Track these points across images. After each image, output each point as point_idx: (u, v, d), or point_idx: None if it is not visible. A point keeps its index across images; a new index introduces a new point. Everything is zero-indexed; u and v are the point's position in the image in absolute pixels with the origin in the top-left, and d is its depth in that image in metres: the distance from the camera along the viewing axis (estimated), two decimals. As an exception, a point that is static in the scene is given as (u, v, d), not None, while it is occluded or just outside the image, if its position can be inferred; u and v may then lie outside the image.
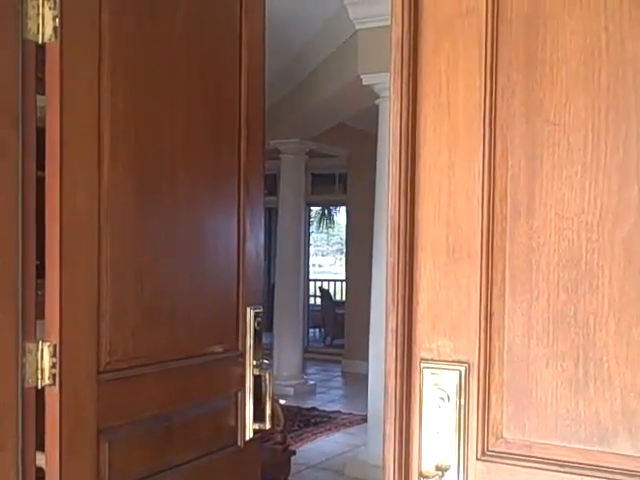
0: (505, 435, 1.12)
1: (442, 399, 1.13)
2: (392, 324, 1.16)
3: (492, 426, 1.12)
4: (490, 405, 1.12)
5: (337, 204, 15.20)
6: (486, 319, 1.12)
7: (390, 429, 1.15)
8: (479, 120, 1.11)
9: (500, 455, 1.12)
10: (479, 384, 1.13)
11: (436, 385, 1.14)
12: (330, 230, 18.27)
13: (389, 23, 1.21)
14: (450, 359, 1.14)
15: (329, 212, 16.77)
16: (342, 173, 11.18)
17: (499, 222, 1.12)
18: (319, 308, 12.65)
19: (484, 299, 1.12)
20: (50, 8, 1.82)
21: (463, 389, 1.12)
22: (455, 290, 1.14)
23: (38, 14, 1.82)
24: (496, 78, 1.11)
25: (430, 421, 1.13)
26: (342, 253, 16.60)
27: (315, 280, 13.92)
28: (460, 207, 1.13)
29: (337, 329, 11.21)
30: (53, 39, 1.84)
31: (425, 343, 1.15)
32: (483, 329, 1.12)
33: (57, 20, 1.83)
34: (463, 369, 1.13)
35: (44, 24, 1.83)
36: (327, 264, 20.55)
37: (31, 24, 1.82)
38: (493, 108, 1.11)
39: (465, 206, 1.13)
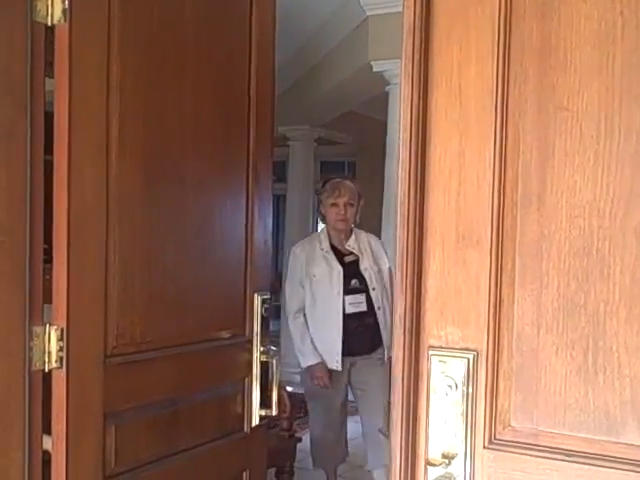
0: (512, 424, 1.11)
1: (450, 387, 1.12)
2: (400, 311, 1.16)
3: (500, 414, 1.12)
4: (498, 393, 1.12)
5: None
6: (495, 307, 1.11)
7: (397, 416, 1.15)
8: (491, 106, 1.10)
9: (507, 444, 1.12)
10: (487, 372, 1.12)
11: (444, 373, 1.13)
12: (338, 217, 18.25)
13: (400, 9, 1.20)
14: (458, 347, 1.13)
15: (337, 200, 16.75)
16: (351, 161, 11.15)
17: (509, 209, 1.11)
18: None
19: (493, 287, 1.11)
20: (59, -10, 1.81)
21: (471, 377, 1.12)
22: (464, 278, 1.13)
23: (47, -4, 1.80)
24: (509, 64, 1.10)
25: (437, 409, 1.13)
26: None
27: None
28: (470, 194, 1.12)
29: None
30: (62, 21, 1.83)
31: (433, 330, 1.15)
32: (492, 317, 1.11)
33: (66, 2, 1.81)
34: (471, 357, 1.12)
35: (53, 6, 1.81)
36: (335, 252, 20.50)
37: (40, 6, 1.81)
38: (505, 94, 1.10)
39: (475, 193, 1.12)
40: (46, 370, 1.85)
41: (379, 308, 3.89)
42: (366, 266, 3.91)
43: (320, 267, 3.90)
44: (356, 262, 3.94)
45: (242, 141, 2.40)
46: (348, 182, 4.05)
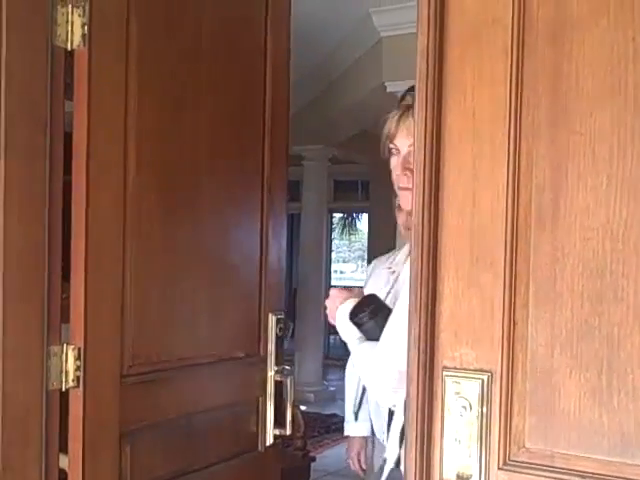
0: (527, 445, 1.12)
1: (464, 408, 1.13)
2: (414, 332, 1.16)
3: (514, 435, 1.12)
4: (512, 414, 1.12)
5: (359, 211, 15.19)
6: (509, 328, 1.12)
7: (412, 437, 1.15)
8: (504, 130, 1.11)
9: (522, 465, 1.12)
10: (501, 393, 1.12)
11: (458, 394, 1.13)
12: (352, 237, 18.27)
13: (413, 31, 1.22)
14: (472, 368, 1.14)
15: (351, 219, 16.77)
16: (365, 180, 11.17)
17: (523, 232, 1.12)
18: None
19: (507, 308, 1.12)
20: (79, 15, 1.85)
21: (485, 398, 1.12)
22: (478, 299, 1.14)
23: (67, 21, 1.84)
24: (522, 88, 1.11)
25: (452, 429, 1.13)
26: (363, 260, 16.60)
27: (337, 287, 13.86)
28: (484, 217, 1.13)
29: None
30: (81, 46, 1.86)
31: (448, 351, 1.15)
32: (506, 338, 1.12)
33: (86, 27, 1.85)
34: (485, 378, 1.12)
35: (73, 31, 1.85)
36: (349, 270, 20.54)
37: (60, 31, 1.85)
38: (518, 118, 1.11)
39: (489, 215, 1.13)
40: (63, 389, 1.87)
41: None
42: None
43: (381, 293, 2.70)
44: None
45: (257, 161, 2.43)
46: None
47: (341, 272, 19.62)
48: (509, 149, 1.11)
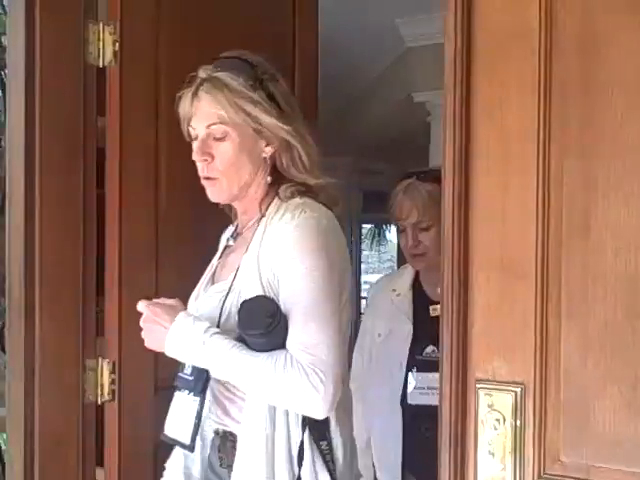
0: (562, 458, 1.11)
1: (497, 420, 1.12)
2: (447, 345, 1.16)
3: (548, 449, 1.11)
4: (547, 427, 1.11)
5: (388, 222, 15.15)
6: (542, 340, 1.11)
7: (445, 450, 1.15)
8: (533, 140, 1.11)
9: (557, 478, 1.11)
10: (535, 406, 1.12)
11: (491, 406, 1.13)
12: (381, 247, 18.21)
13: (440, 41, 1.22)
14: (505, 380, 1.13)
15: (380, 230, 16.72)
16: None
17: (554, 242, 1.11)
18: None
19: (539, 320, 1.11)
20: (110, 33, 1.88)
21: (519, 411, 1.12)
22: (510, 311, 1.13)
23: (99, 39, 1.88)
24: (550, 98, 1.11)
25: (485, 442, 1.13)
26: (393, 270, 16.52)
27: (366, 298, 13.81)
28: (514, 227, 1.13)
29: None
30: (113, 63, 1.90)
31: (480, 364, 1.15)
32: (539, 350, 1.11)
33: (117, 45, 1.89)
34: (519, 390, 1.12)
35: (104, 49, 1.89)
36: (378, 281, 20.42)
37: (92, 49, 1.88)
38: (548, 129, 1.11)
39: (519, 226, 1.12)
40: (99, 403, 1.89)
41: None
42: None
43: (384, 321, 2.36)
44: None
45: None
46: (424, 186, 2.25)
47: (371, 284, 19.53)
48: (539, 160, 1.11)
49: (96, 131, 1.96)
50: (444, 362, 1.16)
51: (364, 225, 15.19)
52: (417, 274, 2.35)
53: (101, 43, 1.89)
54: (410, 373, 2.20)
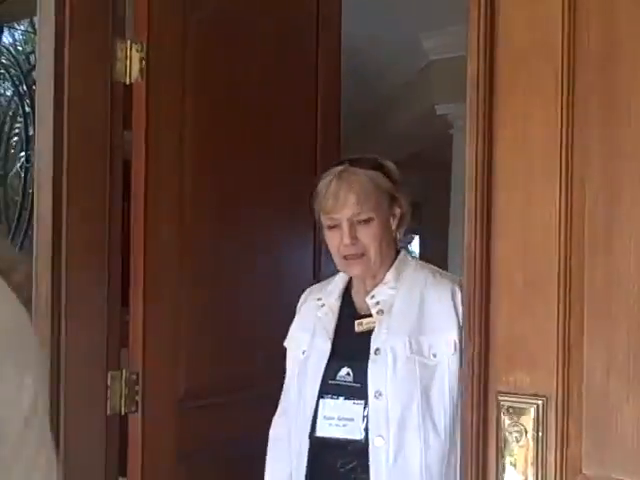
0: (584, 471, 1.10)
1: (519, 433, 1.12)
2: (469, 357, 1.17)
3: (571, 461, 1.11)
4: (569, 440, 1.11)
5: (410, 232, 15.14)
6: (564, 352, 1.11)
7: (467, 462, 1.16)
8: (555, 154, 1.12)
9: (579, 491, 1.11)
10: (557, 418, 1.12)
11: (513, 418, 1.13)
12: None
13: (462, 54, 1.23)
14: (527, 392, 1.13)
15: (402, 240, 16.72)
16: (415, 202, 11.13)
17: (576, 255, 1.11)
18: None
19: (562, 332, 1.11)
20: (137, 50, 1.92)
21: (541, 423, 1.12)
22: (532, 323, 1.14)
23: (126, 56, 1.92)
24: (573, 113, 1.11)
25: (507, 455, 1.13)
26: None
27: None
28: (536, 240, 1.13)
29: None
30: (139, 79, 1.93)
31: (502, 376, 1.15)
32: (561, 362, 1.11)
33: (143, 62, 1.92)
34: (541, 403, 1.12)
35: (131, 66, 1.92)
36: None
37: (119, 66, 1.92)
38: (570, 143, 1.11)
39: (541, 239, 1.13)
40: (122, 414, 1.91)
41: (385, 442, 1.72)
42: (385, 340, 1.77)
43: (309, 335, 1.92)
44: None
45: (309, 185, 2.45)
46: (363, 171, 1.87)
47: (393, 294, 19.51)
48: (561, 173, 1.11)
49: (122, 145, 1.99)
50: (466, 373, 1.17)
51: (386, 237, 15.20)
52: (350, 281, 1.94)
53: (128, 60, 1.92)
54: (321, 400, 1.80)
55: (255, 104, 2.25)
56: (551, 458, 1.11)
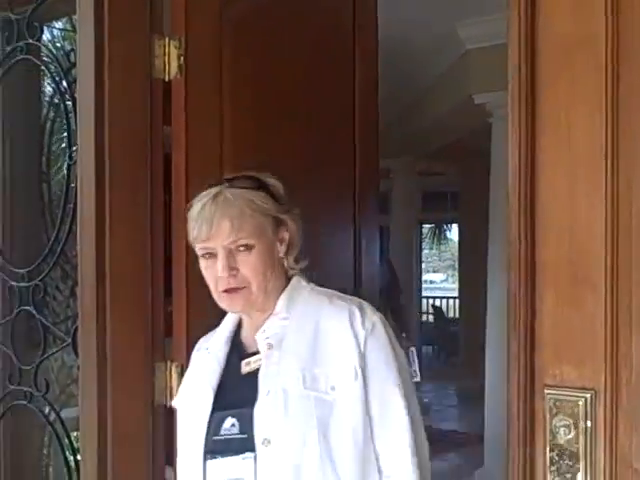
0: (635, 465, 1.09)
1: (567, 426, 1.11)
2: (514, 350, 1.16)
3: (620, 455, 1.10)
4: (618, 434, 1.10)
5: (449, 221, 15.07)
6: (612, 346, 1.10)
7: (514, 456, 1.15)
8: (600, 151, 1.09)
9: (629, 486, 1.10)
10: (605, 412, 1.10)
11: (561, 412, 1.12)
12: (442, 246, 18.12)
13: (500, 42, 1.21)
14: (575, 386, 1.12)
15: (440, 229, 16.64)
16: (454, 191, 11.08)
17: (623, 251, 1.09)
18: (432, 325, 12.56)
19: (609, 327, 1.10)
20: (175, 47, 1.93)
21: (589, 417, 1.11)
22: (579, 317, 1.12)
23: (165, 53, 1.94)
24: (617, 108, 1.09)
25: (555, 449, 1.12)
26: (454, 269, 16.43)
27: (427, 297, 13.80)
28: (582, 235, 1.12)
29: (451, 346, 11.08)
30: (178, 76, 1.95)
31: (548, 370, 1.15)
32: (609, 356, 1.10)
33: (182, 58, 1.94)
34: (589, 396, 1.11)
35: (170, 63, 1.94)
36: (438, 280, 20.38)
37: (158, 63, 1.94)
38: (615, 139, 1.09)
39: (588, 234, 1.11)
40: (167, 405, 1.94)
41: None
42: (275, 378, 1.56)
43: (189, 394, 1.72)
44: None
45: (349, 177, 2.46)
46: (242, 192, 1.62)
47: (431, 282, 19.49)
48: (606, 170, 1.09)
49: (162, 140, 2.02)
50: (512, 367, 1.16)
51: (424, 225, 15.15)
52: (241, 321, 1.71)
53: (166, 57, 1.94)
54: (208, 462, 1.56)
55: (295, 95, 2.26)
56: (600, 452, 1.10)
